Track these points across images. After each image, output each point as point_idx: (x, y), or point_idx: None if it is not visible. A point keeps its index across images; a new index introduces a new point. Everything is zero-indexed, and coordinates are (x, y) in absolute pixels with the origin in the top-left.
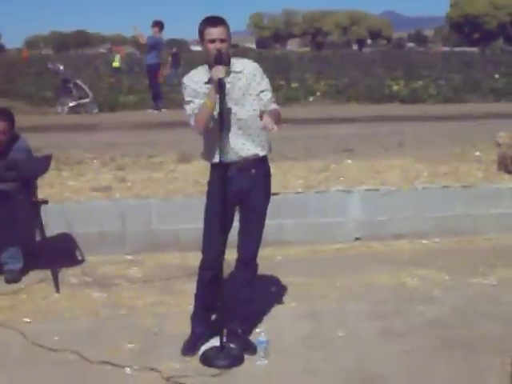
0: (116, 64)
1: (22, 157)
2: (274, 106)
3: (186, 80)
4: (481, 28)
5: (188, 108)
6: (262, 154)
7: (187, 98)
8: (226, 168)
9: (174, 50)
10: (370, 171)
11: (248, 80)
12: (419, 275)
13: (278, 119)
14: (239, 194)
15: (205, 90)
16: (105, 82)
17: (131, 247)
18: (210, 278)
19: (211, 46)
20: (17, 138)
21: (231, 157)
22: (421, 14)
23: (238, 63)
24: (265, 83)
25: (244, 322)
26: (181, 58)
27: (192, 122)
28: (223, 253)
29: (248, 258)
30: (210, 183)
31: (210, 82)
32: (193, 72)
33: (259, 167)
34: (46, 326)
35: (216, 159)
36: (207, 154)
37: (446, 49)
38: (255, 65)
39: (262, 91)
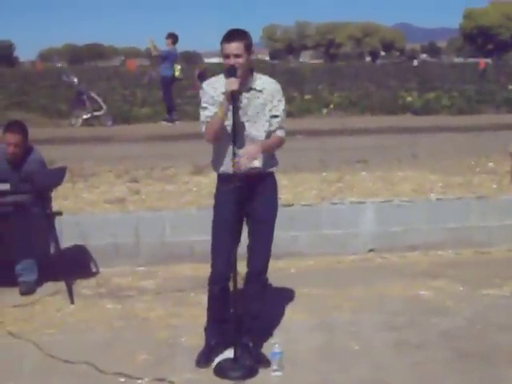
0: (177, 74)
1: (35, 169)
2: (278, 134)
3: (205, 85)
4: (494, 39)
5: (202, 114)
6: (267, 170)
7: (203, 104)
8: (233, 179)
9: (204, 65)
10: (384, 183)
11: (265, 100)
12: (433, 287)
13: (271, 148)
14: (244, 206)
15: (220, 99)
16: (119, 95)
17: (145, 259)
18: (218, 291)
19: (226, 61)
20: (30, 150)
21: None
22: (434, 25)
23: (260, 81)
24: (280, 108)
25: (255, 336)
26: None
27: (203, 130)
28: (233, 266)
29: (257, 272)
30: (216, 196)
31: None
32: (214, 79)
33: (265, 182)
34: (60, 338)
35: (223, 169)
36: (215, 164)
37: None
38: (277, 86)
39: (275, 116)
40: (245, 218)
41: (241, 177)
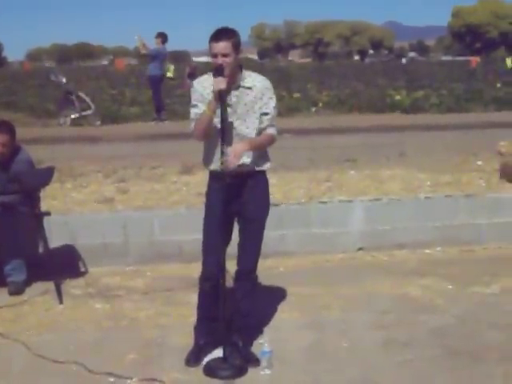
0: (170, 74)
1: (23, 169)
2: (269, 131)
3: (195, 83)
4: (482, 37)
5: (192, 112)
6: (258, 168)
7: (193, 102)
8: (223, 177)
9: (194, 64)
10: (373, 181)
11: (255, 98)
12: (422, 285)
13: (262, 145)
14: (235, 204)
15: (209, 97)
16: (107, 94)
17: (134, 258)
18: (209, 288)
19: (214, 60)
20: (18, 150)
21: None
22: (423, 23)
23: (249, 78)
24: (270, 105)
25: (244, 335)
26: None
27: (192, 127)
28: (223, 263)
29: (247, 270)
30: (207, 193)
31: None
32: (204, 77)
33: (256, 180)
34: (49, 338)
35: (213, 167)
36: (206, 161)
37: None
38: (267, 83)
39: (266, 114)
40: (236, 217)
41: (231, 174)
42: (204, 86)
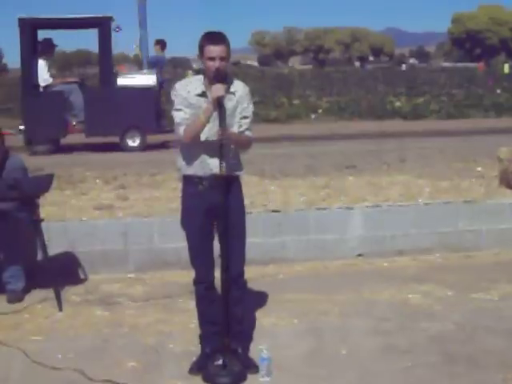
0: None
1: (18, 175)
2: (246, 134)
3: (178, 87)
4: (482, 43)
5: (178, 116)
6: (234, 173)
7: (177, 106)
8: (201, 181)
9: (199, 68)
10: (372, 187)
11: (237, 103)
12: (422, 291)
13: (239, 141)
14: (213, 208)
15: (194, 101)
16: None
17: (134, 265)
18: (204, 291)
19: (210, 64)
20: (7, 155)
21: (206, 171)
22: (423, 30)
23: (232, 84)
24: (249, 110)
25: (241, 340)
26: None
27: (181, 131)
28: (213, 265)
29: (236, 275)
30: (183, 199)
31: (203, 94)
32: (187, 81)
33: (232, 185)
34: (48, 345)
35: (192, 172)
36: (185, 165)
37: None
38: (246, 89)
39: (245, 117)
40: (213, 223)
41: (211, 179)
42: (188, 91)
